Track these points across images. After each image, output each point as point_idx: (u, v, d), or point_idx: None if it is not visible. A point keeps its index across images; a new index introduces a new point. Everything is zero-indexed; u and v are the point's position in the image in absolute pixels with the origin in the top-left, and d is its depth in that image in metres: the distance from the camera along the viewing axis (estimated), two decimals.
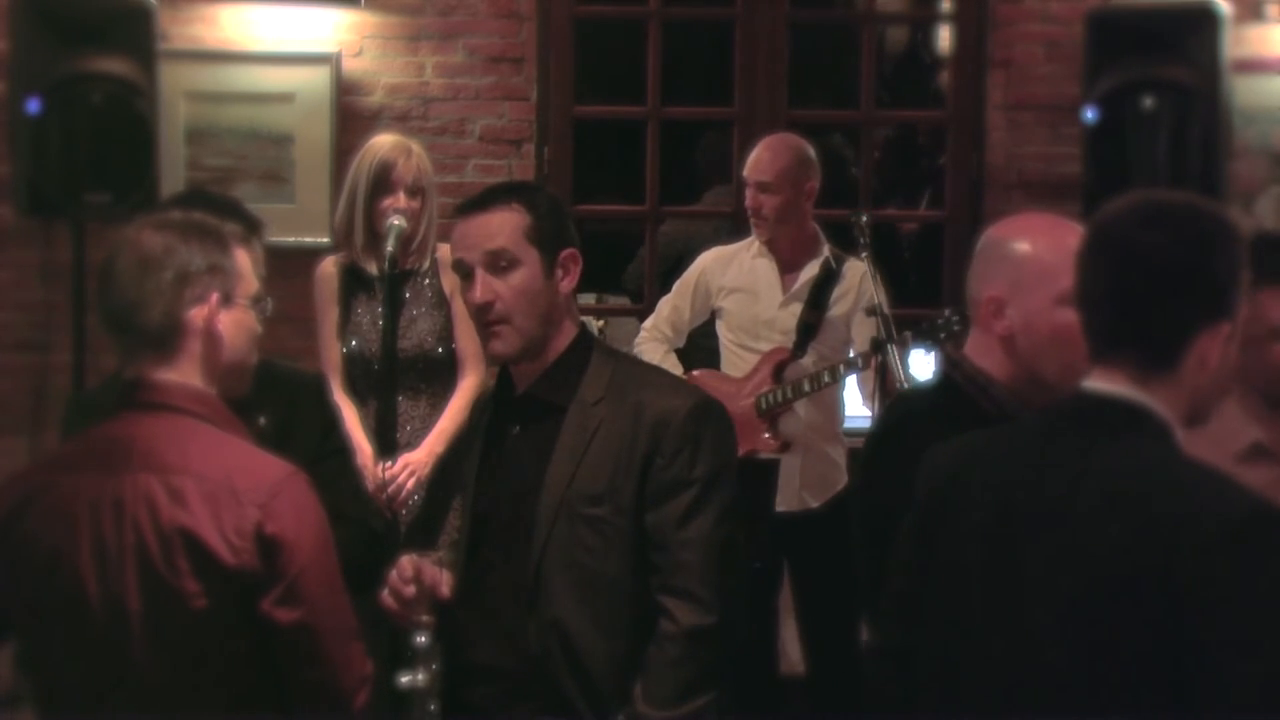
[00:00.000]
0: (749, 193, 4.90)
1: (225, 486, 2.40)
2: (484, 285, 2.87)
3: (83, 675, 2.45)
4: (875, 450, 2.87)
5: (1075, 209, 4.72)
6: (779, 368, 4.86)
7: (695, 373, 5.00)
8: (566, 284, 2.94)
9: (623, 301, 6.85)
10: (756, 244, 4.99)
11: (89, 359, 5.11)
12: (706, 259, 5.09)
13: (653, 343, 5.04)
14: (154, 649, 2.40)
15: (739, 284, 4.98)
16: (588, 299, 6.66)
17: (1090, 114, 5.14)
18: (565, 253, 2.93)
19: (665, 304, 5.10)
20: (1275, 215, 5.63)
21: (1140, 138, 5.05)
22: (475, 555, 2.94)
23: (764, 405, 4.83)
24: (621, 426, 2.85)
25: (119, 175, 5.03)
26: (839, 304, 4.88)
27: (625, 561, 2.83)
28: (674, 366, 4.96)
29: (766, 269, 4.95)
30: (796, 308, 4.90)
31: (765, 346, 4.90)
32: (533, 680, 2.84)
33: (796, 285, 4.91)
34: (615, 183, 6.83)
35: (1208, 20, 5.11)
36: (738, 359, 4.96)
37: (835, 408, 5.02)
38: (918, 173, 7.36)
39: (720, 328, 5.04)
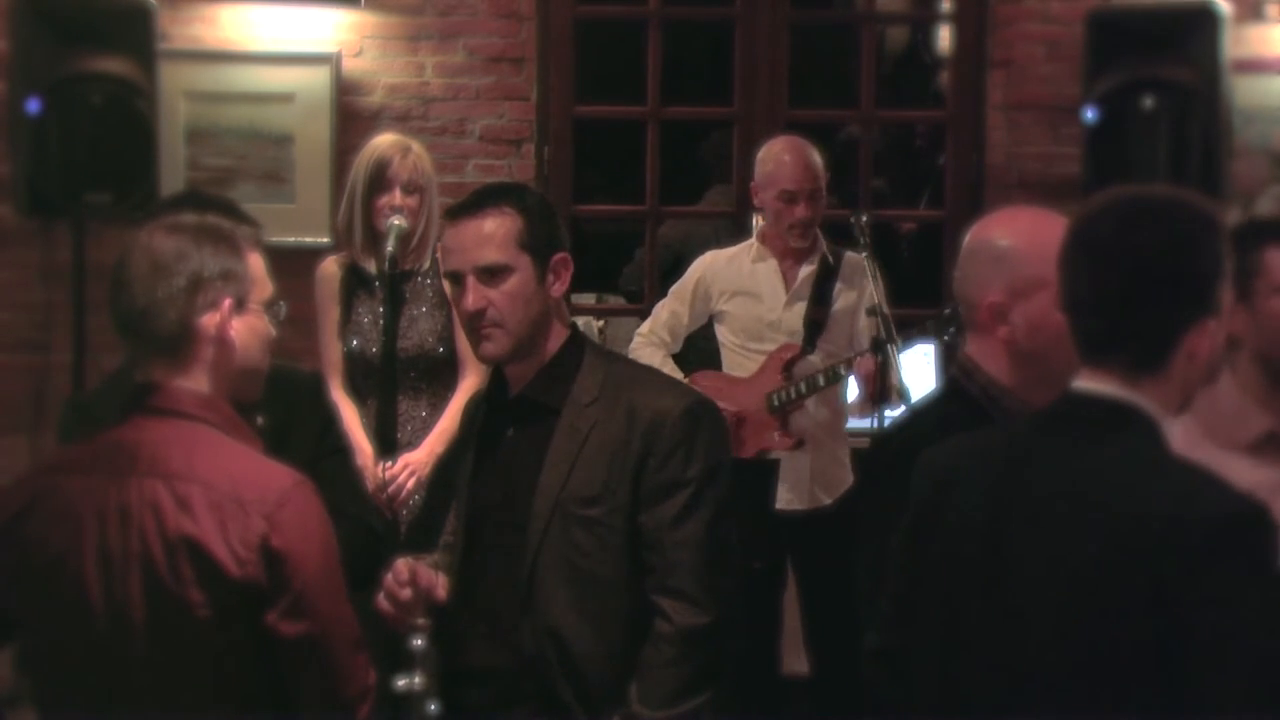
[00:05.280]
0: (803, 205, 4.81)
1: (231, 496, 2.38)
2: (476, 293, 2.87)
3: (84, 678, 2.44)
4: (882, 457, 2.85)
5: (1075, 209, 4.70)
6: (788, 365, 4.84)
7: (697, 374, 4.98)
8: (558, 289, 2.94)
9: (622, 302, 6.84)
10: (756, 246, 4.98)
11: (89, 359, 5.11)
12: (704, 263, 5.05)
13: (649, 348, 5.00)
14: (156, 655, 2.39)
15: (741, 287, 4.95)
16: (587, 299, 6.65)
17: (1090, 114, 5.13)
18: (556, 257, 2.93)
19: (662, 309, 5.06)
20: (1275, 215, 5.63)
21: (1140, 138, 5.05)
22: (470, 557, 2.95)
23: (775, 403, 4.81)
24: (615, 428, 2.85)
25: (119, 175, 5.02)
26: (841, 298, 4.87)
27: (620, 562, 2.84)
28: (673, 372, 4.92)
29: (767, 271, 4.94)
30: (801, 306, 4.89)
31: (770, 347, 4.88)
32: (528, 682, 2.84)
33: (798, 283, 4.90)
34: (615, 183, 6.83)
35: (1208, 20, 5.10)
36: (742, 360, 4.94)
37: (841, 405, 5.01)
38: (918, 172, 7.35)
39: (721, 330, 5.01)
